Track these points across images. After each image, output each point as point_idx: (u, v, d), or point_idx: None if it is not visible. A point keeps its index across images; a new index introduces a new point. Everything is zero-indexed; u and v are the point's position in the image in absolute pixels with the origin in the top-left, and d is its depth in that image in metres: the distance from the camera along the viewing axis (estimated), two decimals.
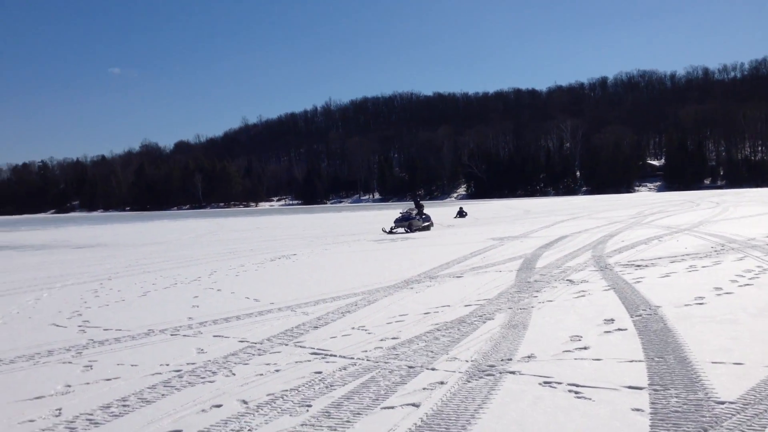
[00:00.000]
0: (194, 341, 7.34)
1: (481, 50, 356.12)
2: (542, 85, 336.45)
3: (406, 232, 27.22)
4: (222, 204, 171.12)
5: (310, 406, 4.86)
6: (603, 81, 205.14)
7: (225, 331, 7.81)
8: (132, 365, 6.29)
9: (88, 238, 35.88)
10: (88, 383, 5.69)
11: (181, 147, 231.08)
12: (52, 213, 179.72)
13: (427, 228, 28.76)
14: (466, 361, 5.96)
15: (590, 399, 4.77)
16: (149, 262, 18.20)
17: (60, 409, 4.96)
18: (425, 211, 30.52)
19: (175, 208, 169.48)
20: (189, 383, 5.59)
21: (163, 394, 5.29)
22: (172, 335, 7.73)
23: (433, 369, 5.74)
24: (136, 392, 5.37)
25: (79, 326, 8.49)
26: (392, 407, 4.77)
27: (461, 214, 43.01)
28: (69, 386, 5.61)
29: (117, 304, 10.36)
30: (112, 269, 16.31)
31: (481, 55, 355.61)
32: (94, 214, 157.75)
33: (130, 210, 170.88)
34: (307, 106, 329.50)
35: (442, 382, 5.31)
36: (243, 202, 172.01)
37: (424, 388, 5.18)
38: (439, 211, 56.14)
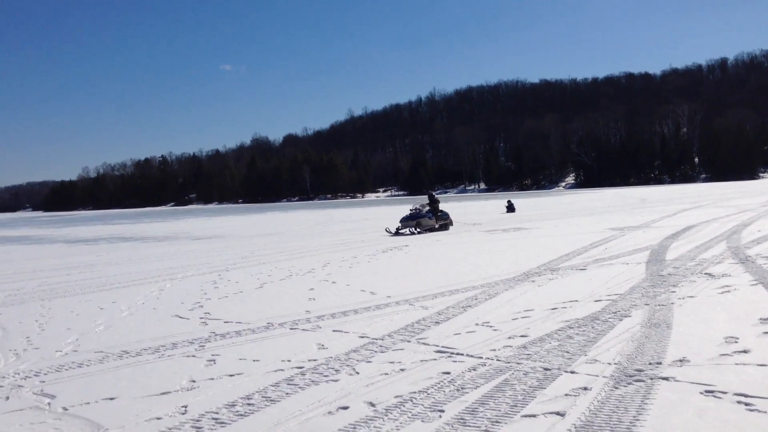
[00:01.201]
0: (314, 336, 7.16)
1: (589, 33, 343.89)
2: (656, 68, 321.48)
3: (414, 233, 23.17)
4: (329, 195, 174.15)
5: (442, 411, 4.51)
6: (723, 62, 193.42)
7: (344, 326, 7.60)
8: (254, 360, 6.16)
9: (205, 229, 37.18)
10: (212, 378, 5.59)
11: (290, 140, 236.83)
12: (172, 205, 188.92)
13: (445, 227, 24.41)
14: (609, 363, 5.44)
15: (765, 413, 4.16)
16: (264, 253, 18.46)
17: (186, 407, 4.85)
18: (442, 207, 25.71)
19: (285, 199, 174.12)
20: (312, 381, 5.38)
21: (287, 393, 5.09)
22: (291, 329, 7.60)
23: (572, 372, 5.26)
24: (260, 390, 5.20)
25: (201, 318, 8.53)
26: (534, 415, 4.35)
27: (510, 208, 38.94)
28: (194, 381, 5.52)
29: (236, 296, 10.41)
30: (230, 260, 16.62)
31: (589, 39, 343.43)
32: (210, 206, 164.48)
33: (243, 202, 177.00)
34: (412, 96, 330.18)
35: (585, 388, 4.83)
36: (350, 193, 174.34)
37: (566, 395, 4.72)
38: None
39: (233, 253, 18.72)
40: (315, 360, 6.07)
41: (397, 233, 23.14)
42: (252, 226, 38.93)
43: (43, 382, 5.70)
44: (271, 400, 4.92)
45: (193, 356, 6.45)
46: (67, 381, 5.71)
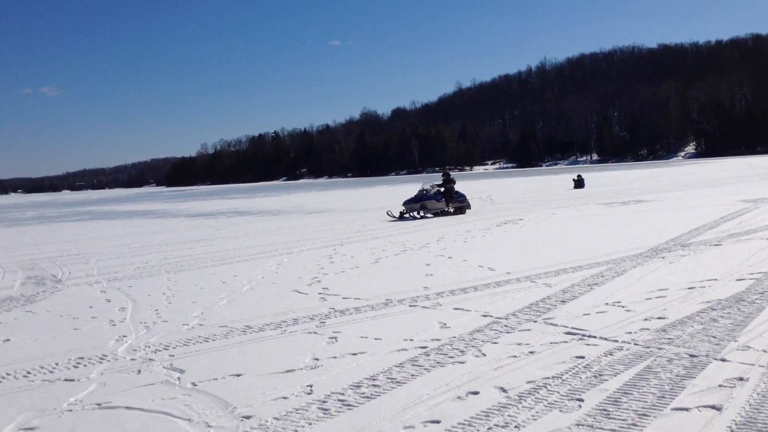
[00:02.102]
0: (434, 314, 6.96)
1: None
2: None
3: (417, 217, 20.81)
4: (437, 168, 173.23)
5: (581, 400, 4.19)
6: None
7: (465, 304, 7.35)
8: (375, 339, 6.03)
9: (316, 203, 37.82)
10: (335, 357, 5.49)
11: (398, 114, 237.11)
12: (284, 180, 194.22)
13: (461, 211, 21.49)
14: (764, 351, 4.92)
15: None
16: (376, 227, 18.46)
17: (311, 386, 4.77)
18: (457, 187, 22.31)
19: (393, 173, 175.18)
20: (438, 363, 5.17)
21: (412, 375, 4.91)
22: (410, 306, 7.43)
23: (723, 360, 4.79)
24: (384, 370, 5.05)
25: (320, 293, 8.52)
26: (686, 409, 3.95)
27: (579, 183, 36.15)
28: (317, 360, 5.44)
29: (352, 271, 10.37)
30: (343, 234, 16.70)
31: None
32: (320, 180, 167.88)
33: (352, 176, 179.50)
34: (521, 66, 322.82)
35: (741, 378, 4.36)
36: (458, 166, 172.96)
37: (720, 386, 4.28)
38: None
39: (346, 228, 18.83)
40: (438, 340, 5.86)
41: (401, 217, 20.84)
42: (362, 199, 39.25)
43: (172, 356, 5.80)
44: (397, 382, 4.76)
45: (315, 333, 6.39)
46: (194, 355, 5.78)
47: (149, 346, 6.18)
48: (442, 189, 21.21)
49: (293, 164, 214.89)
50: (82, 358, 5.88)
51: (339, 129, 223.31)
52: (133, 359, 5.75)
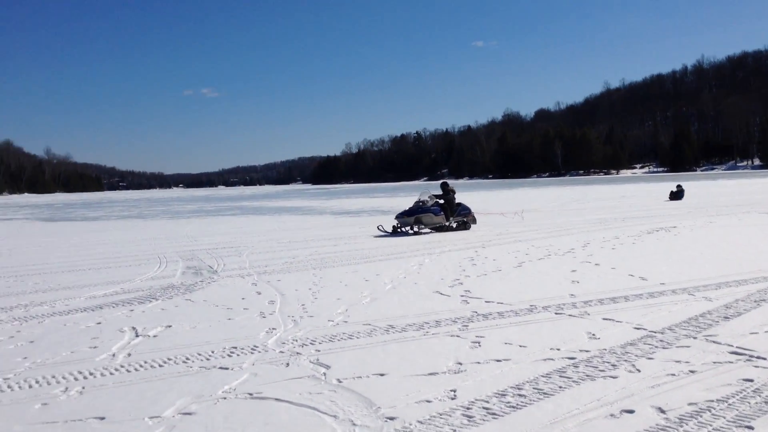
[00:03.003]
0: (582, 323, 6.67)
1: None
2: None
3: (410, 233, 17.90)
4: (581, 172, 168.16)
5: (751, 428, 3.84)
6: None
7: (615, 314, 7.00)
8: (520, 346, 5.86)
9: None
10: (478, 362, 5.39)
11: (542, 115, 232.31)
12: (425, 180, 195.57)
13: (464, 226, 18.62)
14: None
15: None
16: (518, 230, 18.09)
17: (455, 391, 4.70)
18: (461, 200, 19.84)
19: (535, 175, 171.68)
20: (588, 376, 4.94)
21: (560, 387, 4.71)
22: (556, 314, 7.17)
23: None
24: (530, 380, 4.88)
25: (462, 296, 8.43)
26: None
27: (677, 194, 31.71)
28: (460, 364, 5.36)
29: (494, 274, 10.20)
30: (484, 237, 16.50)
31: None
32: (461, 181, 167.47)
33: (492, 177, 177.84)
34: (676, 65, 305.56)
35: None
36: (603, 169, 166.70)
37: None
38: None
39: (487, 230, 18.60)
40: (587, 351, 5.60)
41: (395, 232, 18.11)
42: (503, 202, 38.68)
43: (318, 351, 5.93)
44: (544, 393, 4.58)
45: (457, 336, 6.32)
46: (339, 352, 5.88)
47: (296, 340, 6.35)
48: (441, 201, 18.58)
49: (434, 164, 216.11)
50: (235, 347, 6.15)
51: (481, 130, 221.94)
52: (281, 352, 5.94)
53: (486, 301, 8.01)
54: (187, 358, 5.83)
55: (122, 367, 5.61)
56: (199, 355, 5.93)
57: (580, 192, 48.20)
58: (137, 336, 6.76)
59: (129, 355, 6.00)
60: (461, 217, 18.65)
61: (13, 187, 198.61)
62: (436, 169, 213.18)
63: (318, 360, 5.62)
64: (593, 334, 6.18)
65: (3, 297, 9.57)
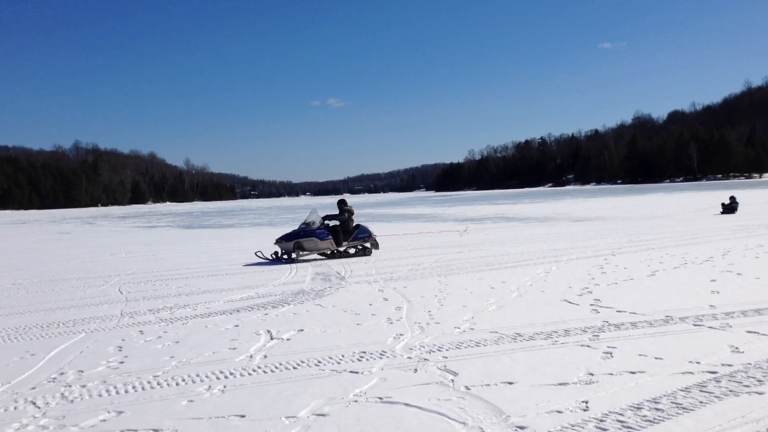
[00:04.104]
0: (724, 336, 6.32)
1: None
2: None
3: (287, 259, 15.29)
4: (719, 175, 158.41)
5: None
6: None
7: (761, 327, 6.58)
8: (656, 358, 5.63)
9: (585, 210, 36.64)
10: (611, 374, 5.23)
11: (675, 117, 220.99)
12: (550, 186, 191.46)
13: (363, 252, 15.99)
14: None
15: None
16: (650, 237, 17.35)
17: (586, 402, 4.59)
18: (364, 223, 17.71)
19: (668, 180, 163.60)
20: (731, 391, 4.68)
21: (701, 402, 4.49)
22: (694, 325, 6.83)
23: None
24: (668, 394, 4.69)
25: (591, 305, 8.20)
26: None
27: (730, 208, 27.02)
28: (591, 374, 5.23)
29: (626, 283, 9.84)
30: (614, 244, 15.95)
31: None
32: (587, 186, 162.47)
33: (622, 183, 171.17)
34: None
35: None
36: (744, 173, 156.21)
37: None
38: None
39: (617, 237, 17.97)
40: (730, 365, 5.30)
41: (278, 259, 15.35)
42: (634, 207, 37.20)
43: (446, 357, 5.96)
44: (684, 408, 4.39)
45: (588, 346, 6.16)
46: (466, 359, 5.89)
47: (424, 346, 6.42)
48: (331, 222, 16.02)
49: (559, 170, 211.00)
50: (364, 352, 6.30)
51: (609, 134, 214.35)
52: (409, 357, 6.02)
53: (617, 311, 7.75)
54: (319, 361, 6.03)
55: (259, 368, 5.89)
56: (330, 358, 6.12)
57: (716, 197, 45.40)
58: (272, 339, 7.07)
59: (265, 356, 6.29)
60: (359, 242, 15.96)
61: (156, 196, 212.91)
62: (562, 174, 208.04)
63: (445, 366, 5.66)
64: (736, 348, 5.84)
65: (151, 299, 10.29)
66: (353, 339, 6.90)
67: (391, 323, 7.66)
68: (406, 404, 4.73)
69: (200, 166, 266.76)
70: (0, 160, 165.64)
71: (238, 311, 8.87)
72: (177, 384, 5.49)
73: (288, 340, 7.00)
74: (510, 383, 5.13)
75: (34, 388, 5.50)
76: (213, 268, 14.42)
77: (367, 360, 6.01)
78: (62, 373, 5.95)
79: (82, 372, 5.98)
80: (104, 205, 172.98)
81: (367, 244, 16.02)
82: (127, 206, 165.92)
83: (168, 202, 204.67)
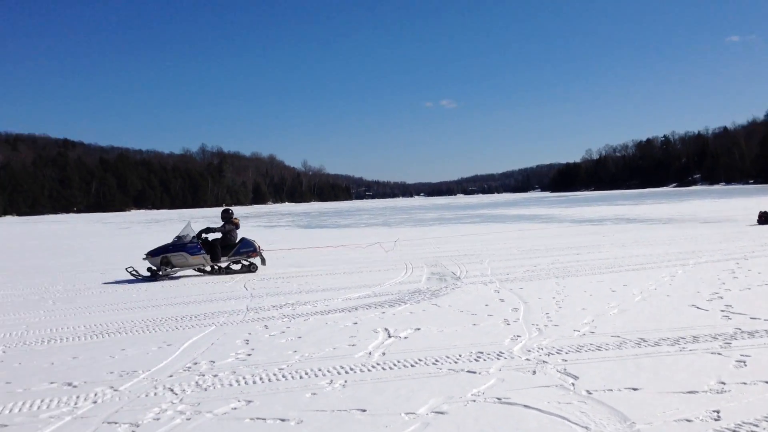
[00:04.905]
0: None
1: None
2: None
3: (154, 276, 13.92)
4: None
5: None
6: None
7: None
8: None
9: (713, 212, 34.78)
10: (744, 383, 4.97)
11: None
12: (674, 186, 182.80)
13: (249, 268, 14.57)
14: None
15: None
16: None
17: (718, 412, 4.38)
18: (250, 236, 15.85)
19: None
20: None
21: None
22: None
23: None
24: None
25: (722, 311, 7.79)
26: None
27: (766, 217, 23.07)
28: (723, 383, 4.98)
29: (760, 289, 9.28)
30: (746, 247, 15.05)
31: None
32: (716, 187, 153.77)
33: (754, 183, 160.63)
34: None
35: None
36: None
37: None
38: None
39: (750, 240, 16.93)
40: None
41: (154, 276, 13.93)
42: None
43: (565, 360, 5.85)
44: None
45: (719, 354, 5.86)
46: (587, 363, 5.76)
47: (542, 348, 6.33)
48: (210, 236, 14.73)
49: (684, 170, 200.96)
50: (481, 352, 6.29)
51: (739, 131, 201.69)
52: (527, 359, 5.96)
53: (751, 318, 7.33)
54: (437, 360, 6.08)
55: (378, 364, 6.01)
56: (447, 357, 6.16)
57: None
58: (389, 337, 7.19)
59: (383, 354, 6.41)
60: (242, 257, 14.60)
61: (275, 197, 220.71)
62: (687, 174, 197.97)
63: (565, 370, 5.56)
64: None
65: (274, 296, 10.70)
66: (470, 339, 6.91)
67: (508, 324, 7.60)
68: (525, 406, 4.69)
69: (317, 168, 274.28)
70: (135, 163, 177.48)
71: (356, 309, 9.08)
72: (301, 377, 5.70)
73: (405, 338, 7.10)
74: (634, 389, 4.97)
75: (171, 376, 5.87)
76: (331, 268, 14.79)
77: (485, 360, 6.00)
78: (196, 363, 6.32)
79: (214, 362, 6.32)
80: (228, 205, 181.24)
81: (253, 260, 14.72)
82: (249, 206, 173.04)
83: (287, 203, 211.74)
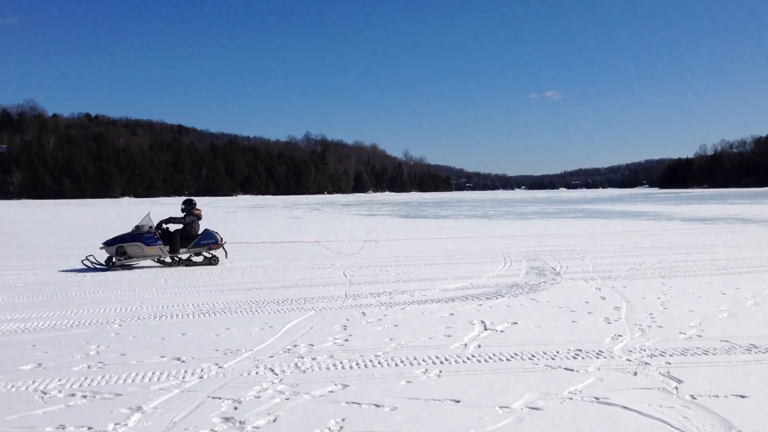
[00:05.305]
0: None
1: None
2: None
3: (105, 265, 13.51)
4: None
5: None
6: None
7: None
8: None
9: None
10: None
11: None
12: None
13: (210, 260, 14.09)
14: None
15: None
16: None
17: None
18: (211, 227, 15.23)
19: None
20: None
21: None
22: None
23: None
24: None
25: None
26: None
27: None
28: None
29: None
30: None
31: None
32: None
33: None
34: None
35: None
36: None
37: None
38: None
39: None
40: None
41: (110, 265, 13.48)
42: None
43: (669, 363, 5.66)
44: None
45: None
46: (692, 367, 5.54)
47: (644, 350, 6.15)
48: (171, 227, 14.36)
49: None
50: (580, 350, 6.17)
51: None
52: (628, 360, 5.80)
53: None
54: (533, 355, 6.02)
55: (473, 356, 6.01)
56: (544, 353, 6.08)
57: None
58: (486, 329, 7.16)
59: (479, 346, 6.40)
60: (202, 248, 14.19)
61: (376, 186, 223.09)
62: None
63: (668, 372, 5.37)
64: None
65: (372, 284, 10.87)
66: (568, 336, 6.79)
67: (609, 323, 7.41)
68: (624, 407, 4.58)
69: (418, 158, 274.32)
70: (243, 149, 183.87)
71: (452, 300, 9.09)
72: (396, 365, 5.78)
73: (501, 331, 7.05)
74: (742, 396, 4.76)
75: (272, 357, 6.10)
76: (429, 258, 14.84)
77: (583, 358, 5.88)
78: (295, 345, 6.53)
79: (313, 346, 6.51)
80: (330, 192, 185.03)
81: (214, 252, 14.30)
82: (350, 194, 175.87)
83: (387, 192, 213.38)
